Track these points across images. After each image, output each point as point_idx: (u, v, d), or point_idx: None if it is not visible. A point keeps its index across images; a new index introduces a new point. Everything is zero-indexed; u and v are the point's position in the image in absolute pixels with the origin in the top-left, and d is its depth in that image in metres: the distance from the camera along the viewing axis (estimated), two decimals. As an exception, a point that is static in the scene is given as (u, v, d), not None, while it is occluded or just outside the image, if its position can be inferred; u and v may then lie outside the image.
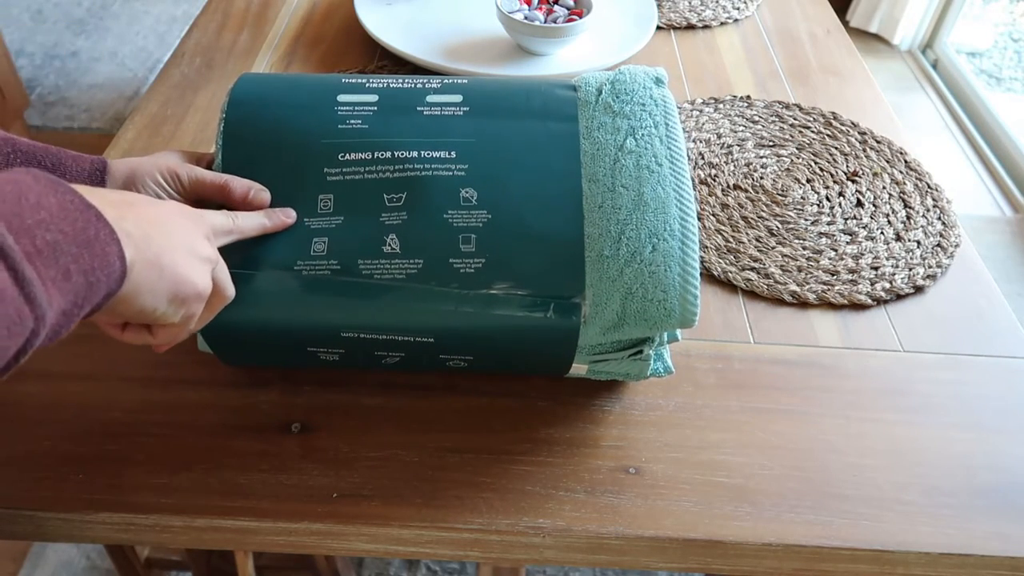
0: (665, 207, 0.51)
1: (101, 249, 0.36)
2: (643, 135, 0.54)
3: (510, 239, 0.50)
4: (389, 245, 0.50)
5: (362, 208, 0.51)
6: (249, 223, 0.49)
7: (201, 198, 0.51)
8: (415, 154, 0.52)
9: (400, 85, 0.57)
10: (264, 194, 0.51)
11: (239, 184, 0.50)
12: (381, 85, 0.56)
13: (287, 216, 0.51)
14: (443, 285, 0.49)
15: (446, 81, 0.57)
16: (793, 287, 0.65)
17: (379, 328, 0.50)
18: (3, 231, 0.31)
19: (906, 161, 0.78)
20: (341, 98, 0.55)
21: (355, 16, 0.93)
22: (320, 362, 0.54)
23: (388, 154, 0.52)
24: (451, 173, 0.52)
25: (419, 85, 0.57)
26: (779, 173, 0.76)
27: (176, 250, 0.41)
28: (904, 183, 0.76)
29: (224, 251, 0.47)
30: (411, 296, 0.49)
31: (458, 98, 0.56)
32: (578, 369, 0.54)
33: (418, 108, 0.55)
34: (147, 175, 0.50)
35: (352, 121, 0.54)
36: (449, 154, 0.52)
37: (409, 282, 0.49)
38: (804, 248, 0.69)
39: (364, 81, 0.57)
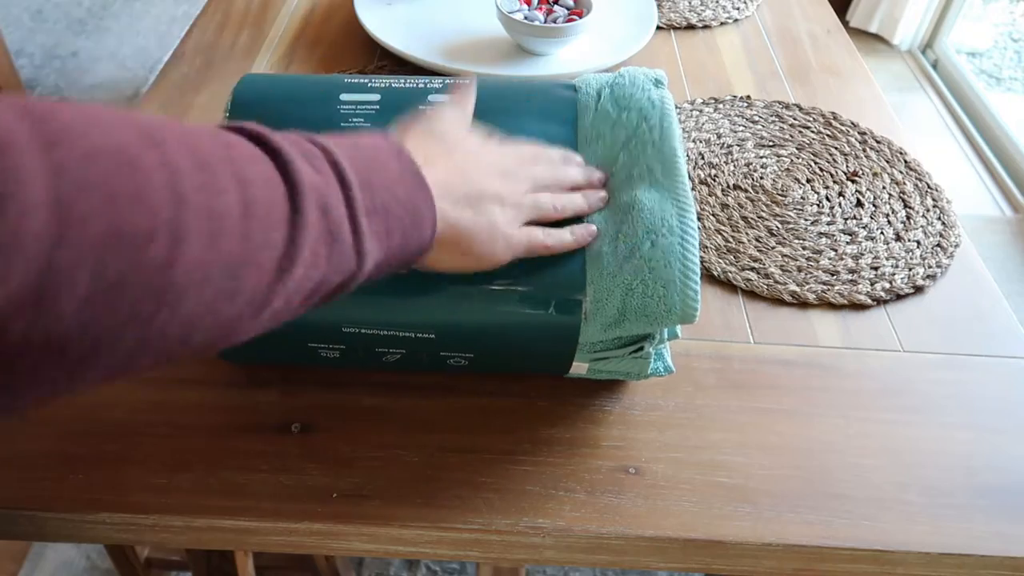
0: (662, 207, 0.51)
1: (420, 220, 0.40)
2: (638, 142, 0.54)
3: None
4: None
5: None
6: (558, 243, 0.49)
7: None
8: None
9: (403, 85, 0.57)
10: None
11: None
12: (384, 85, 0.57)
13: (589, 233, 0.51)
14: (444, 280, 0.49)
15: (448, 81, 0.58)
16: (793, 287, 0.65)
17: (380, 324, 0.50)
18: (355, 185, 0.36)
19: (906, 161, 0.78)
20: (344, 97, 0.55)
21: (355, 16, 0.93)
22: (321, 359, 0.54)
23: None
24: None
25: (421, 85, 0.57)
26: (779, 173, 0.76)
27: (483, 240, 0.45)
28: (904, 183, 0.76)
29: None
30: (412, 291, 0.49)
31: None
32: (578, 368, 0.54)
33: (420, 107, 0.55)
34: None
35: (355, 120, 0.54)
36: None
37: (411, 278, 0.49)
38: (804, 248, 0.69)
39: (367, 81, 0.57)
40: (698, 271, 0.50)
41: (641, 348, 0.53)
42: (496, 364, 0.55)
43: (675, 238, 0.50)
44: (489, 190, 0.46)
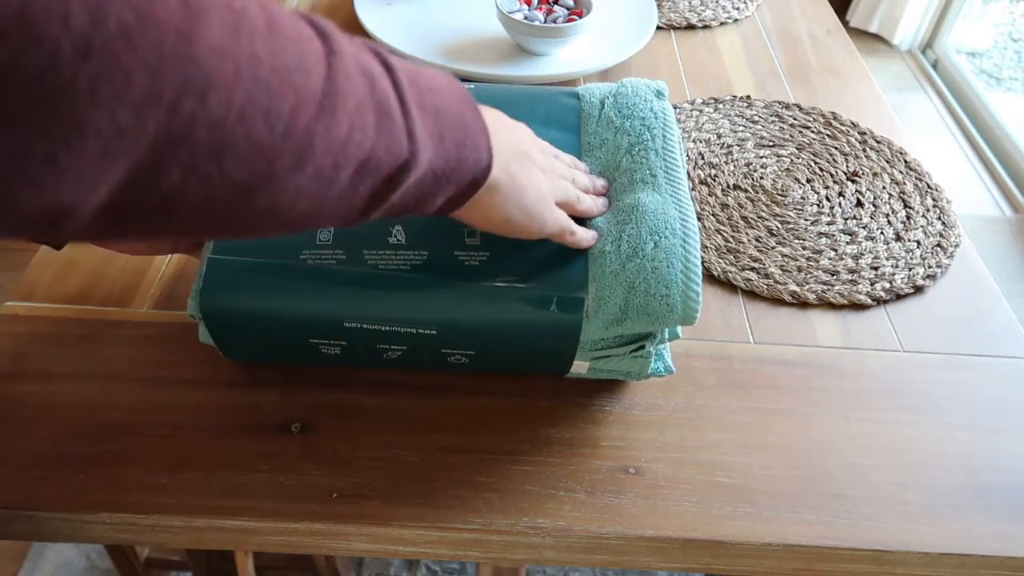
0: (664, 210, 0.52)
1: (474, 133, 0.38)
2: (641, 148, 0.55)
3: None
4: (395, 236, 0.51)
5: None
6: (579, 237, 0.50)
7: None
8: None
9: None
10: None
11: None
12: None
13: (594, 237, 0.51)
14: (447, 277, 0.50)
15: None
16: (793, 287, 0.65)
17: (382, 319, 0.50)
18: (402, 76, 0.34)
19: (906, 161, 0.78)
20: None
21: (355, 16, 0.93)
22: (321, 356, 0.54)
23: None
24: None
25: None
26: (779, 173, 0.76)
27: (536, 197, 0.45)
28: (904, 183, 0.76)
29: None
30: (415, 287, 0.50)
31: None
32: (579, 367, 0.54)
33: None
34: None
35: None
36: None
37: (413, 273, 0.50)
38: (804, 248, 0.69)
39: None
40: (699, 273, 0.50)
41: (642, 347, 0.53)
42: (497, 362, 0.55)
43: (677, 240, 0.50)
44: (534, 154, 0.46)
